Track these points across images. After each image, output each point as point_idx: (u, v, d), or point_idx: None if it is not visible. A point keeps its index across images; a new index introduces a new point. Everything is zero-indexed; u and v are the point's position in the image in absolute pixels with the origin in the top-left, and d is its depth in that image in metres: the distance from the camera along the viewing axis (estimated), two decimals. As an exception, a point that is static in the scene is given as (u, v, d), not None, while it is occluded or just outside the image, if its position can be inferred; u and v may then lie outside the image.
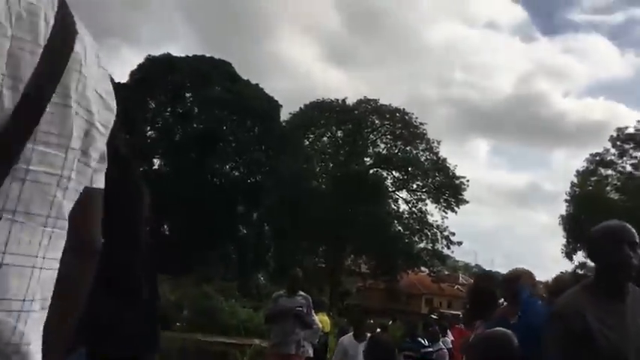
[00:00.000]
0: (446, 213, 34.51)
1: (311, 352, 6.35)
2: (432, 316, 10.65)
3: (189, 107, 29.55)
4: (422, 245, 34.67)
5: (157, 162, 30.45)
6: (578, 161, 52.83)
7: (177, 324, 7.10)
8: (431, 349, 6.75)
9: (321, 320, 7.20)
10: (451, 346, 8.64)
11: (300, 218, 27.93)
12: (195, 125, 29.94)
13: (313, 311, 6.39)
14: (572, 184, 31.79)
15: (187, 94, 30.28)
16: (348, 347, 5.36)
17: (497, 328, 2.37)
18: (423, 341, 6.74)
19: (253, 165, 28.94)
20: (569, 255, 30.98)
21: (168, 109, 30.20)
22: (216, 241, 29.42)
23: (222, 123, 28.68)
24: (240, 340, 6.85)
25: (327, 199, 30.14)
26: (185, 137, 29.60)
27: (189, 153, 28.75)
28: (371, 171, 33.74)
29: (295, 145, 28.60)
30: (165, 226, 29.15)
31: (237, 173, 31.06)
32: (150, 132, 30.13)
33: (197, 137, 28.78)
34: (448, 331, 9.27)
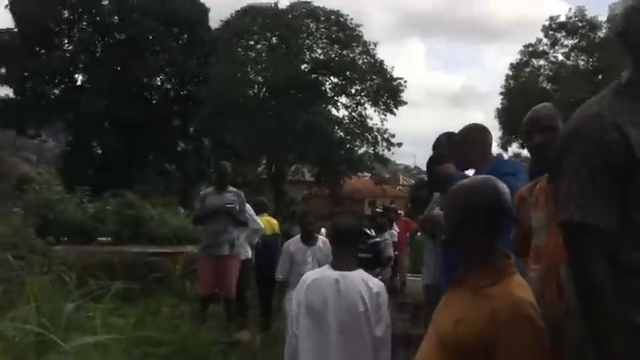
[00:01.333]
0: (385, 116, 34.54)
1: (249, 254, 6.03)
2: (377, 209, 10.53)
3: (109, 16, 27.27)
4: (363, 149, 34.81)
5: (79, 78, 28.48)
6: (511, 57, 53.47)
7: (101, 238, 6.54)
8: (378, 239, 6.63)
9: (266, 221, 6.91)
10: (396, 239, 8.70)
11: (237, 127, 27.11)
12: (117, 36, 27.92)
13: (251, 210, 6.04)
14: (507, 77, 32.25)
15: (104, 2, 27.90)
16: (295, 253, 5.05)
17: (483, 176, 1.97)
18: (370, 232, 6.60)
19: (184, 75, 27.52)
20: (504, 147, 32.15)
21: (85, 18, 27.82)
22: (153, 157, 28.50)
23: (147, 31, 26.75)
24: (172, 248, 6.40)
25: (265, 107, 29.33)
26: (107, 49, 27.66)
27: (113, 66, 26.96)
28: (309, 77, 32.84)
29: (227, 52, 27.19)
30: (97, 146, 27.83)
31: (168, 85, 29.64)
32: (67, 45, 27.87)
33: (120, 48, 26.93)
34: (394, 223, 9.28)
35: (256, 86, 30.75)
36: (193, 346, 4.35)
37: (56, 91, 27.75)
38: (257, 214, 7.13)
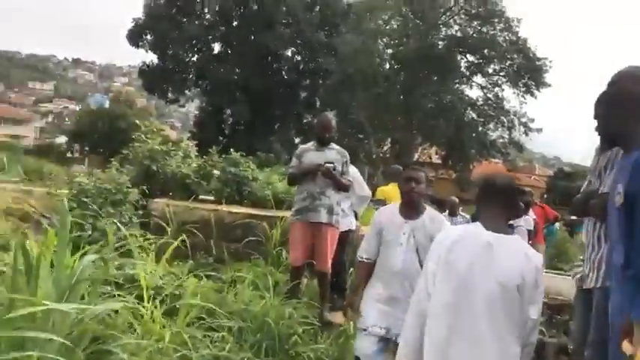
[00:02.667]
0: (524, 98, 32.00)
1: (354, 225, 5.30)
2: None
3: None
4: (497, 133, 32.68)
5: (216, 47, 29.50)
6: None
7: (203, 196, 6.19)
8: (511, 222, 5.60)
9: (393, 193, 5.95)
10: (532, 227, 7.46)
11: (363, 101, 26.38)
12: (252, 6, 28.39)
13: (358, 174, 5.28)
14: None
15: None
16: (386, 227, 4.28)
17: None
18: None
19: (314, 47, 27.31)
20: None
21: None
22: (279, 127, 28.89)
23: (281, 2, 26.87)
24: (273, 212, 5.86)
25: (393, 80, 28.26)
26: (243, 19, 28.27)
27: (247, 36, 27.53)
28: (443, 51, 31.09)
29: (358, 24, 26.48)
30: (228, 112, 28.74)
31: (298, 57, 29.72)
32: (208, 15, 28.90)
33: (255, 19, 27.39)
34: (530, 209, 8.04)
35: (385, 58, 29.70)
36: (275, 324, 3.75)
37: (194, 59, 28.96)
38: (390, 182, 6.45)
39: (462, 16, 33.25)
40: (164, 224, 5.32)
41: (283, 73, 28.86)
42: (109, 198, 4.70)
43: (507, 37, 32.65)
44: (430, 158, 35.10)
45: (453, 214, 8.19)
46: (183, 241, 5.21)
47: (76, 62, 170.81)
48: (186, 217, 5.66)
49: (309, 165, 4.50)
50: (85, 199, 4.51)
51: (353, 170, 5.06)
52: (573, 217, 15.62)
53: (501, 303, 2.25)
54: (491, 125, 32.52)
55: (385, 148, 33.33)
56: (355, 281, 3.69)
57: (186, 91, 30.05)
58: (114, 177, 4.92)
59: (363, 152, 28.59)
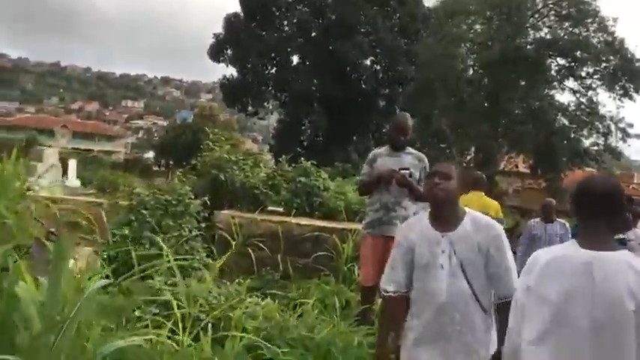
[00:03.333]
0: (622, 102, 29.80)
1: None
2: None
3: (324, -1, 27.73)
4: (592, 140, 30.61)
5: (295, 59, 29.65)
6: None
7: (272, 208, 5.82)
8: (622, 237, 4.77)
9: (479, 199, 5.50)
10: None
11: (445, 108, 25.39)
12: (330, 16, 28.28)
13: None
14: None
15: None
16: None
17: None
18: None
19: (393, 55, 26.73)
20: None
21: (305, 2, 28.73)
22: (358, 137, 28.48)
23: (360, 10, 26.56)
24: (345, 224, 5.39)
25: (476, 85, 27.05)
26: (321, 30, 28.21)
27: (326, 46, 27.40)
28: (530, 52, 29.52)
29: (439, 29, 25.63)
30: (307, 123, 28.71)
31: (377, 67, 29.22)
32: (286, 27, 29.13)
33: (333, 29, 27.23)
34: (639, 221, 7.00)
35: (469, 61, 28.53)
36: (341, 353, 3.26)
37: (273, 71, 29.25)
38: (472, 190, 5.78)
39: (552, 18, 31.62)
40: (229, 237, 5.01)
41: (362, 82, 28.46)
42: (169, 210, 4.42)
43: (602, 38, 30.72)
44: (517, 167, 33.46)
45: (548, 219, 6.73)
46: (248, 255, 4.86)
47: (165, 80, 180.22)
48: (252, 229, 5.33)
49: (382, 171, 3.98)
50: (144, 211, 4.25)
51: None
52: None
53: (611, 335, 1.82)
54: (584, 131, 30.57)
55: (469, 157, 32.07)
56: (382, 327, 2.70)
57: (265, 104, 30.40)
58: (175, 188, 4.65)
59: (444, 161, 27.53)
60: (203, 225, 4.85)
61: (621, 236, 4.73)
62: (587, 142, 30.44)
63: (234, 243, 4.88)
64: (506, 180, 35.85)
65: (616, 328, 1.82)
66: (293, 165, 6.53)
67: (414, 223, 2.62)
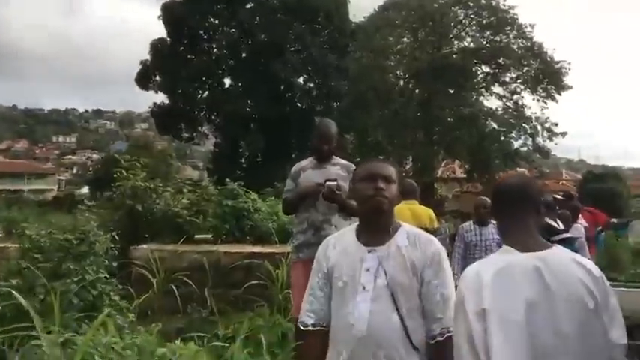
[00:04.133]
0: (545, 103, 31.19)
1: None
2: (557, 196, 7.84)
3: (251, 18, 27.48)
4: (520, 141, 31.84)
5: (226, 81, 29.15)
6: None
7: (199, 236, 5.34)
8: (568, 235, 4.49)
9: (412, 210, 5.18)
10: (583, 235, 6.32)
11: (380, 121, 25.55)
12: (260, 37, 28.05)
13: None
14: None
15: (247, 5, 28.19)
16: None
17: None
18: (556, 224, 4.47)
19: (325, 71, 26.74)
20: None
21: (229, 23, 28.36)
22: (296, 155, 28.20)
23: (288, 29, 26.46)
24: (278, 248, 4.98)
25: (408, 95, 27.45)
26: (251, 51, 27.90)
27: (257, 67, 27.08)
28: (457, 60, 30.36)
29: (367, 43, 25.89)
30: (244, 144, 28.17)
31: (311, 84, 29.17)
32: (215, 49, 28.65)
33: (263, 49, 26.99)
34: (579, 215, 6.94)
35: (398, 72, 28.99)
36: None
37: (205, 95, 28.66)
38: (403, 200, 5.47)
39: (474, 28, 32.72)
40: (149, 274, 4.50)
41: (296, 100, 28.28)
42: (70, 250, 3.87)
43: (522, 44, 32.04)
44: (454, 173, 34.18)
45: (482, 222, 5.70)
46: (172, 292, 4.37)
47: (97, 113, 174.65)
48: (175, 263, 4.85)
49: (306, 186, 3.59)
50: (37, 256, 3.69)
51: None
52: (614, 220, 14.34)
53: (581, 340, 1.62)
54: (513, 134, 31.63)
55: (407, 167, 32.47)
56: None
57: (200, 128, 29.68)
58: (78, 224, 4.11)
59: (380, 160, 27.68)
60: (115, 264, 4.30)
61: (567, 235, 4.51)
62: (516, 144, 31.55)
63: (154, 280, 4.38)
64: (445, 186, 36.51)
65: (584, 333, 1.63)
66: (218, 188, 6.06)
67: (337, 239, 2.14)
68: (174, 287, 4.43)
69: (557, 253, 1.73)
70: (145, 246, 5.12)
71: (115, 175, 5.71)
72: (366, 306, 1.91)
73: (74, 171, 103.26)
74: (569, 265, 1.69)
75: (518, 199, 1.81)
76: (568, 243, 4.29)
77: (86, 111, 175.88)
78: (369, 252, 1.98)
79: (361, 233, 2.06)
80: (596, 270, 1.71)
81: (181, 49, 27.71)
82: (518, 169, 33.43)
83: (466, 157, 30.75)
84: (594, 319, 1.64)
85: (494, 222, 5.70)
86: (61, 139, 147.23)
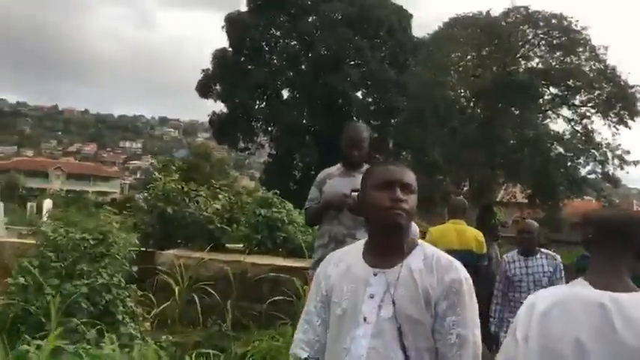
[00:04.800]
0: (617, 129, 29.64)
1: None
2: None
3: (313, 30, 27.55)
4: (589, 168, 30.39)
5: (285, 93, 29.29)
6: None
7: (227, 245, 5.06)
8: None
9: (457, 230, 4.83)
10: None
11: (438, 139, 24.82)
12: (320, 50, 28.07)
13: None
14: None
15: (310, 18, 28.28)
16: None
17: None
18: None
19: (383, 86, 26.37)
20: None
21: (293, 35, 28.52)
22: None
23: (348, 43, 26.35)
24: (306, 262, 4.63)
25: (469, 114, 26.62)
26: (311, 63, 27.93)
27: (316, 79, 27.06)
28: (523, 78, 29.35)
29: (428, 59, 25.35)
30: (298, 156, 28.11)
31: (369, 99, 28.88)
32: (275, 61, 28.87)
33: (323, 62, 26.96)
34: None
35: (459, 90, 28.26)
36: None
37: (262, 105, 28.89)
38: (450, 218, 5.03)
39: (543, 48, 31.66)
40: (172, 282, 4.25)
41: (353, 114, 28.03)
42: (87, 251, 3.67)
43: (594, 67, 30.72)
44: (515, 197, 32.89)
45: (527, 251, 4.66)
46: (192, 302, 4.10)
47: (162, 120, 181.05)
48: (200, 271, 4.57)
49: (331, 196, 3.23)
50: (50, 254, 3.49)
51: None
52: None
53: None
54: (581, 160, 30.23)
55: (465, 188, 31.50)
56: None
57: (256, 138, 29.90)
58: (100, 224, 3.91)
59: (439, 193, 26.88)
60: (136, 268, 4.07)
61: None
62: (584, 171, 30.12)
63: (177, 288, 4.12)
64: (505, 211, 35.19)
65: None
66: (252, 196, 5.79)
67: (342, 254, 1.79)
68: (196, 297, 4.13)
69: (636, 296, 1.54)
70: (170, 252, 4.90)
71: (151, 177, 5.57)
72: (365, 342, 1.55)
73: (137, 175, 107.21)
74: None
75: (619, 233, 1.64)
76: None
77: (152, 118, 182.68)
78: (375, 275, 1.63)
79: (369, 251, 1.70)
80: None
81: (242, 59, 28.08)
82: (585, 197, 31.84)
83: (529, 182, 29.52)
84: None
85: (545, 251, 4.75)
86: (127, 144, 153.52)
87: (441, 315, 1.56)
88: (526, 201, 32.07)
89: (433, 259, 1.64)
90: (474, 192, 29.42)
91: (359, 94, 28.62)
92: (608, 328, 1.49)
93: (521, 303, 4.64)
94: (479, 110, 27.36)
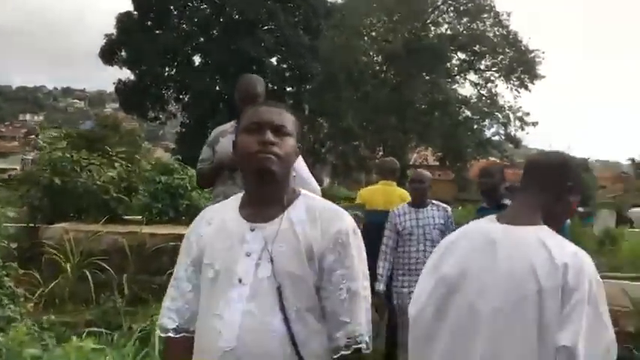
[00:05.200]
0: (519, 92, 31.45)
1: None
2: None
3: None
4: (493, 130, 32.10)
5: (196, 59, 28.18)
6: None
7: (125, 216, 4.73)
8: None
9: (385, 191, 4.83)
10: None
11: (352, 104, 25.03)
12: (232, 15, 27.15)
13: (303, 166, 3.87)
14: None
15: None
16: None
17: None
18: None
19: (297, 51, 26.00)
20: None
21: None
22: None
23: (262, 7, 25.64)
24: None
25: (381, 77, 27.01)
26: (223, 29, 26.97)
27: (228, 45, 26.21)
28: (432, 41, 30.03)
29: (340, 24, 25.26)
30: (212, 124, 27.30)
31: (284, 65, 28.47)
32: (184, 26, 27.63)
33: (235, 27, 26.13)
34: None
35: (371, 54, 28.54)
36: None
37: (173, 72, 27.71)
38: (381, 179, 5.03)
39: (451, 14, 32.61)
40: (61, 257, 3.91)
41: (268, 80, 27.56)
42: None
43: (498, 32, 32.13)
44: (426, 160, 34.16)
45: (417, 202, 4.32)
46: (84, 279, 3.79)
47: (66, 91, 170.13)
48: (93, 245, 4.25)
49: (224, 155, 3.03)
50: None
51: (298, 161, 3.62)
52: (581, 209, 14.26)
53: (510, 320, 1.46)
54: (486, 122, 31.90)
55: (380, 154, 32.27)
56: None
57: (166, 107, 28.70)
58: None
59: (354, 158, 27.29)
60: (15, 245, 3.69)
61: None
62: (488, 133, 31.75)
63: (67, 265, 3.79)
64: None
65: (515, 314, 1.48)
66: (151, 162, 5.45)
67: (215, 211, 1.59)
68: (88, 273, 3.83)
69: (530, 229, 1.55)
70: (58, 225, 4.52)
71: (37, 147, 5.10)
72: (240, 306, 1.38)
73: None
74: (531, 245, 1.51)
75: (538, 172, 1.67)
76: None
77: (55, 89, 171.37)
78: (252, 230, 1.45)
79: (246, 204, 1.52)
80: (565, 256, 1.46)
81: (149, 23, 26.62)
82: (490, 157, 33.59)
83: (439, 145, 30.66)
84: (533, 305, 1.44)
85: (436, 202, 4.37)
86: (28, 117, 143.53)
87: (327, 269, 1.42)
88: (437, 163, 33.41)
89: (316, 209, 1.49)
90: (387, 156, 30.10)
91: (273, 60, 28.10)
92: (491, 259, 1.53)
93: (412, 257, 4.49)
94: (391, 75, 27.83)
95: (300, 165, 3.97)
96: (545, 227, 1.57)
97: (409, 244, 4.19)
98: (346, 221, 1.49)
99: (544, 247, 1.49)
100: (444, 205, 4.38)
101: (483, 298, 1.51)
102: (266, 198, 1.48)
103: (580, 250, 1.51)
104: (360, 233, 1.52)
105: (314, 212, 1.48)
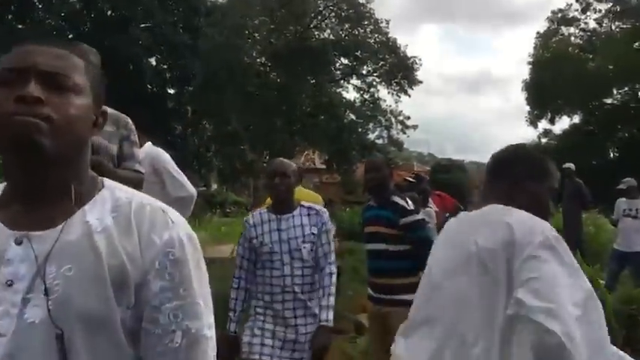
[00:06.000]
0: (399, 97, 32.88)
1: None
2: (408, 178, 7.37)
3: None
4: (376, 133, 33.26)
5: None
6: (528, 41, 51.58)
7: None
8: (419, 218, 3.70)
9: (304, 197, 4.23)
10: (434, 220, 6.04)
11: (235, 105, 24.47)
12: (105, 11, 25.53)
13: (170, 163, 3.45)
14: (536, 46, 29.94)
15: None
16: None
17: None
18: (406, 203, 3.68)
19: (177, 50, 25.01)
20: (533, 123, 30.28)
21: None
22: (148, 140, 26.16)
23: (135, 3, 24.32)
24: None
25: (265, 78, 26.76)
26: (95, 25, 25.23)
27: (101, 43, 24.51)
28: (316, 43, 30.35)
29: (221, 20, 24.68)
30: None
31: (165, 65, 27.24)
32: (50, 21, 25.51)
33: (108, 24, 24.54)
34: (430, 199, 6.66)
35: (254, 54, 28.21)
36: None
37: (38, 71, 25.47)
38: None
39: (333, 20, 33.25)
40: None
41: (146, 81, 26.18)
42: None
43: (378, 39, 33.27)
44: (314, 163, 34.52)
45: (279, 208, 3.30)
46: None
47: None
48: None
49: None
50: None
51: (156, 154, 3.18)
52: (461, 207, 15.04)
53: (461, 289, 1.57)
54: (370, 125, 32.87)
55: (267, 157, 32.01)
56: None
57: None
58: None
59: (240, 162, 26.76)
60: None
61: (420, 217, 3.84)
62: (372, 136, 32.79)
63: None
64: (306, 176, 36.82)
65: (462, 276, 1.61)
66: None
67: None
68: None
69: (485, 209, 1.70)
70: None
71: None
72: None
73: None
74: (479, 217, 1.69)
75: (494, 163, 1.81)
76: (420, 227, 3.68)
77: None
78: (17, 243, 0.92)
79: (6, 201, 0.98)
80: (509, 219, 1.54)
81: (9, 16, 24.24)
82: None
83: (325, 147, 31.10)
84: (472, 269, 1.55)
85: (307, 205, 3.30)
86: None
87: (150, 304, 0.94)
88: (324, 166, 33.88)
89: (131, 207, 0.97)
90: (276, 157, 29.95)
91: (153, 60, 26.79)
92: (449, 242, 1.75)
93: (274, 285, 3.13)
94: (275, 76, 27.70)
95: (168, 160, 3.50)
96: (502, 205, 1.65)
97: (270, 265, 3.11)
98: (179, 225, 0.99)
99: (491, 215, 1.63)
100: (318, 208, 3.30)
101: (440, 270, 1.71)
102: (39, 190, 0.95)
103: (534, 217, 1.56)
104: (198, 243, 1.02)
105: (127, 213, 0.97)
